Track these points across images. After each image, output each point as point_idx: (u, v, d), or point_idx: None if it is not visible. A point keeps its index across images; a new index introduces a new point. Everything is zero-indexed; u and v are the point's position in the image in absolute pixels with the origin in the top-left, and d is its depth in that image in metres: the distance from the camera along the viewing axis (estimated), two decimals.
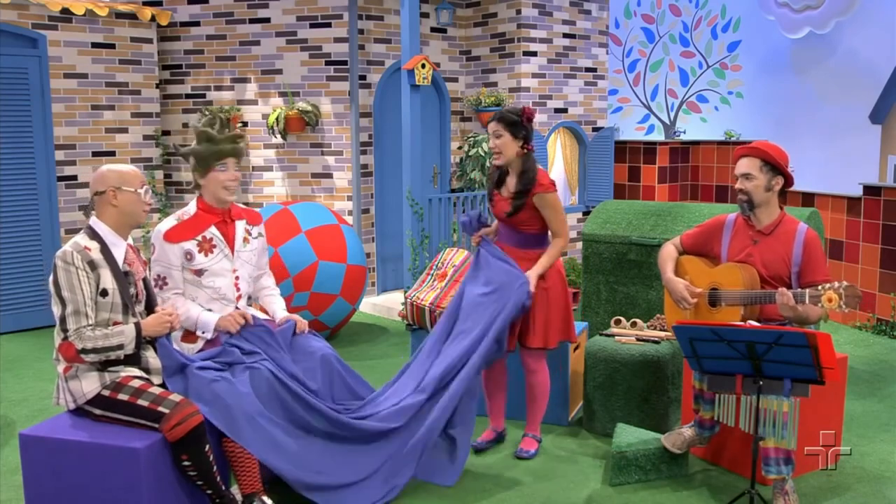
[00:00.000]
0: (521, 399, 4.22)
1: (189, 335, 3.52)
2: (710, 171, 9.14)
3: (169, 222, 3.53)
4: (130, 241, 3.16)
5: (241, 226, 3.66)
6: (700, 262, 3.74)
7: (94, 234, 3.03)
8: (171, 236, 3.48)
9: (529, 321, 3.86)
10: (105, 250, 3.02)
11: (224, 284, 3.54)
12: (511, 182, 3.89)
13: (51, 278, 2.98)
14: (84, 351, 2.93)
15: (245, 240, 3.65)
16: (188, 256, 3.48)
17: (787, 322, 3.44)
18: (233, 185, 3.55)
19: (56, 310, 2.96)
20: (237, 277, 3.59)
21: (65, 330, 2.94)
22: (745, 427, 3.37)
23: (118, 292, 3.01)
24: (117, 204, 3.05)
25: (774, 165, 3.53)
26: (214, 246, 3.53)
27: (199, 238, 3.51)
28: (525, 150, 3.84)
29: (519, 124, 3.80)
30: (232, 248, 3.59)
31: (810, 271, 3.51)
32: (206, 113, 3.57)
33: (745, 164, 3.57)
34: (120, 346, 2.98)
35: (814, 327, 3.58)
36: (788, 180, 3.58)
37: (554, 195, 3.85)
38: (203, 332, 3.47)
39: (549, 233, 3.93)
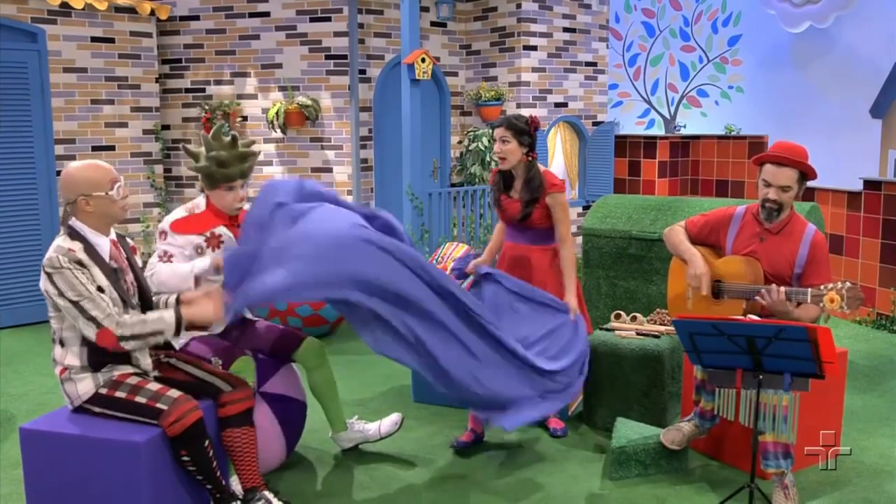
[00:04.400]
0: None
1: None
2: (711, 165, 9.13)
3: (178, 213, 3.52)
4: (114, 235, 3.11)
5: None
6: (705, 251, 3.73)
7: (75, 235, 2.97)
8: (178, 227, 3.47)
9: None
10: (89, 249, 2.96)
11: None
12: (518, 185, 3.97)
13: (46, 287, 2.90)
14: (123, 338, 2.89)
15: None
16: (199, 250, 3.48)
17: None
18: (239, 203, 3.54)
19: (67, 312, 2.88)
20: None
21: (92, 319, 2.86)
22: (744, 421, 3.37)
23: (112, 288, 2.99)
24: (91, 209, 2.99)
25: (808, 175, 3.51)
26: (223, 242, 3.52)
27: (208, 234, 3.51)
28: (529, 158, 3.93)
29: (526, 132, 3.89)
30: None
31: (813, 274, 3.50)
32: (214, 122, 3.46)
33: (787, 177, 3.46)
34: (160, 333, 2.94)
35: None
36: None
37: (564, 196, 3.95)
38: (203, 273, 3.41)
39: (557, 236, 3.93)
